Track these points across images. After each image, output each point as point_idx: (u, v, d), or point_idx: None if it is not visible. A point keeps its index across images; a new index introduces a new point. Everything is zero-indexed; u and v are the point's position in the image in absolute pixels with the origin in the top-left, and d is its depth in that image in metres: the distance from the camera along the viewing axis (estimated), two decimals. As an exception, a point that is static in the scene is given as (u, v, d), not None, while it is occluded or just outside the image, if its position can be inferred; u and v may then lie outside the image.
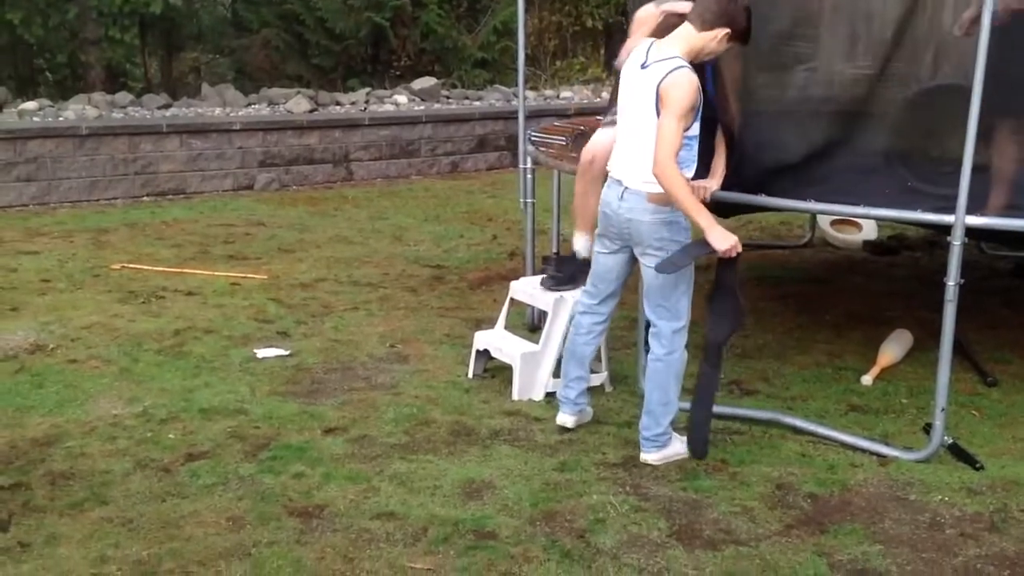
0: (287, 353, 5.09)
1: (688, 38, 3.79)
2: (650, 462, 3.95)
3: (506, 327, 4.92)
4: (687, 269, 3.89)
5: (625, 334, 5.37)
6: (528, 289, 4.88)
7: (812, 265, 7.03)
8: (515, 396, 4.57)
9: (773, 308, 5.94)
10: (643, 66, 3.81)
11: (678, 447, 4.01)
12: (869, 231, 7.51)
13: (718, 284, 3.95)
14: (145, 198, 8.78)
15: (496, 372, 4.79)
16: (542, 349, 4.62)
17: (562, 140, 6.05)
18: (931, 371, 4.05)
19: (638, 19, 4.47)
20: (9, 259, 6.68)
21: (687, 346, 3.96)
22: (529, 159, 5.64)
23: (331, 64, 12.38)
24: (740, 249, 3.80)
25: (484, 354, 4.82)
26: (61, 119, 9.07)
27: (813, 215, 7.09)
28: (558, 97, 12.11)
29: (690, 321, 3.94)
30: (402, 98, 11.06)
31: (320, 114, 10.10)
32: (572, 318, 4.37)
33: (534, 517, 3.51)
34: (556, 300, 4.66)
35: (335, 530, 3.39)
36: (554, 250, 5.85)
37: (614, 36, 14.19)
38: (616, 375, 4.83)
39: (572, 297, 4.67)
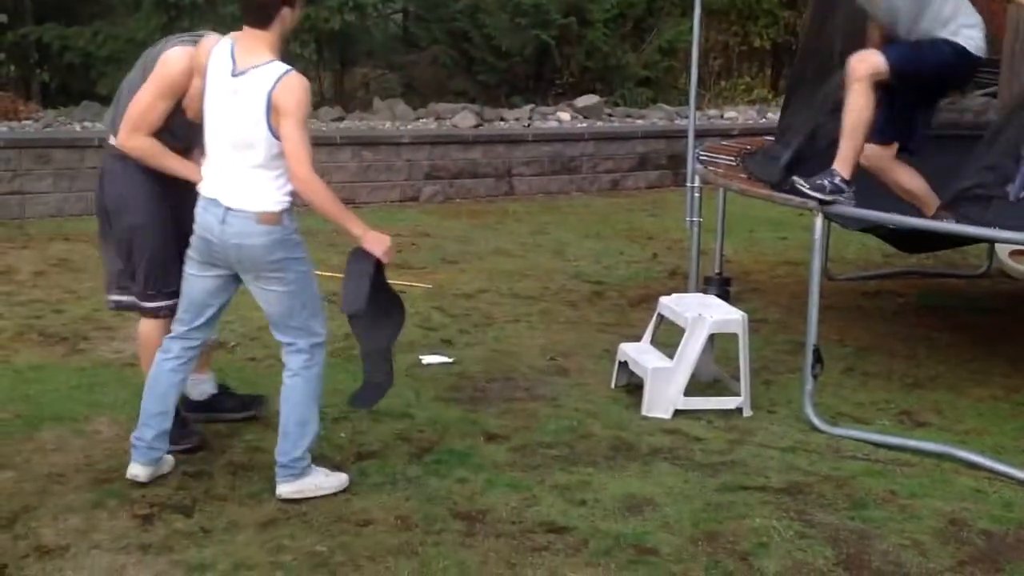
0: (451, 360, 5.20)
1: (265, 39, 3.47)
2: (283, 496, 3.58)
3: (653, 342, 4.91)
4: (309, 285, 3.63)
5: (788, 358, 5.28)
6: (672, 305, 4.87)
7: (989, 296, 6.76)
8: (644, 411, 4.55)
9: (947, 338, 5.74)
10: (235, 73, 3.46)
11: (320, 480, 3.66)
12: (1051, 263, 7.16)
13: (366, 280, 3.69)
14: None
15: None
16: (675, 366, 4.59)
17: (730, 160, 6.01)
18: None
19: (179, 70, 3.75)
20: (192, 260, 7.04)
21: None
22: (697, 178, 5.63)
23: (496, 81, 12.58)
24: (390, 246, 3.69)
25: (626, 366, 4.83)
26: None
27: (991, 244, 6.81)
28: (722, 117, 11.99)
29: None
30: (565, 115, 11.14)
31: (485, 129, 10.28)
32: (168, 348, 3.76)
33: (695, 536, 3.48)
34: (694, 319, 4.63)
35: (498, 535, 3.45)
36: (716, 270, 5.82)
37: (782, 56, 13.96)
38: (778, 400, 4.76)
39: (711, 317, 4.64)
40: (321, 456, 3.98)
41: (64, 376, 4.76)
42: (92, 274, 6.43)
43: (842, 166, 4.55)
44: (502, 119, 10.86)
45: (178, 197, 3.85)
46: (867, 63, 4.55)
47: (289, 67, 3.47)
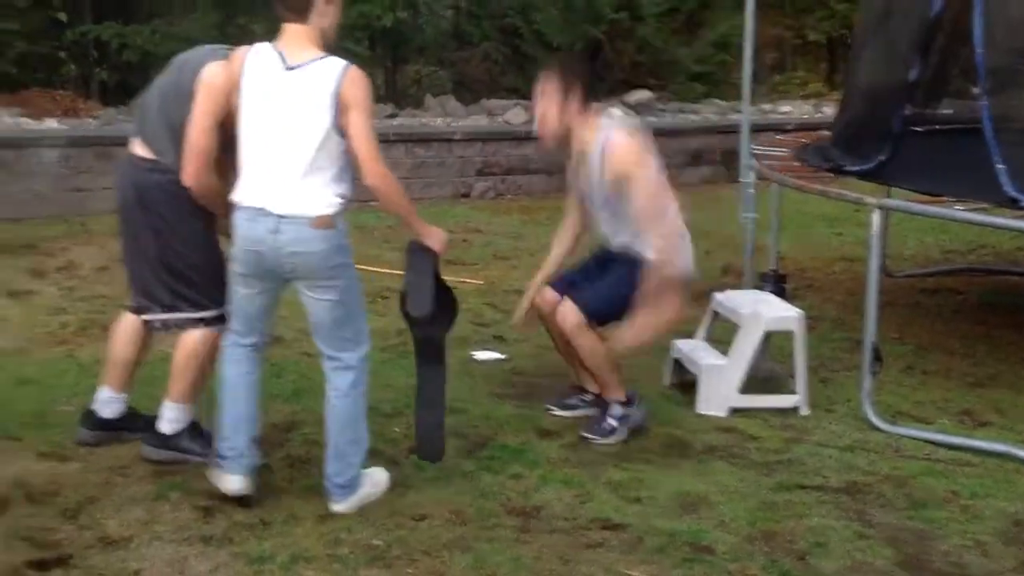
0: (503, 357, 5.22)
1: (307, 34, 3.33)
2: (341, 511, 3.51)
3: (706, 339, 4.89)
4: (358, 290, 3.53)
5: (845, 356, 5.23)
6: (726, 302, 4.85)
7: (1052, 294, 6.64)
8: (698, 409, 4.53)
9: (1008, 336, 5.64)
10: (288, 68, 3.31)
11: (368, 487, 3.59)
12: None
13: (429, 278, 3.73)
14: (372, 202, 9.14)
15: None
16: (729, 363, 4.57)
17: (784, 152, 5.96)
18: None
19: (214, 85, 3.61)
20: (248, 256, 7.12)
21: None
22: (751, 173, 5.59)
23: (547, 76, 12.58)
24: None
25: (679, 363, 4.81)
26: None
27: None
28: (777, 112, 11.88)
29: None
30: (616, 111, 11.10)
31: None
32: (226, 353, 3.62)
33: (752, 535, 3.46)
34: (748, 316, 4.60)
35: (552, 531, 3.46)
36: (771, 267, 5.77)
37: (837, 51, 13.80)
38: (836, 398, 4.71)
39: (765, 314, 4.60)
40: (375, 452, 4.00)
41: (125, 370, 4.84)
42: (151, 269, 6.54)
43: (613, 393, 4.25)
44: (554, 115, 10.84)
45: None
46: (571, 319, 4.18)
47: (347, 61, 3.34)
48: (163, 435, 3.91)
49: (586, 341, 4.20)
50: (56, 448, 3.97)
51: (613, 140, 4.10)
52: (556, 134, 4.15)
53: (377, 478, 3.68)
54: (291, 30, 3.36)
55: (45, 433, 4.09)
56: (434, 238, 3.70)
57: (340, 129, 3.31)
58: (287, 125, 3.32)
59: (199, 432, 3.95)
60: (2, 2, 11.02)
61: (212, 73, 3.64)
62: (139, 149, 3.84)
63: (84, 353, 5.04)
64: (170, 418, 3.91)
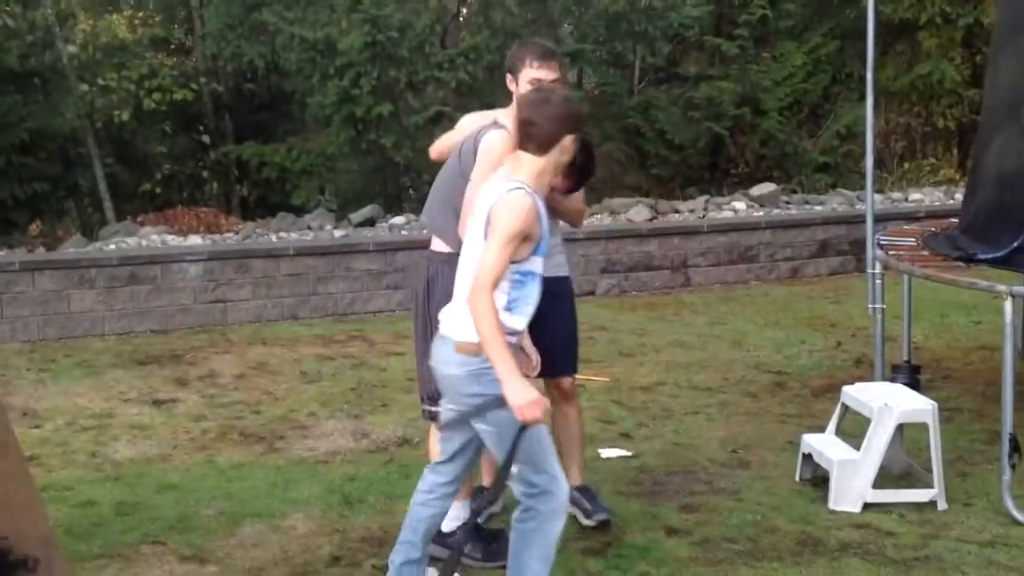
0: (630, 454, 5.20)
1: (531, 164, 3.30)
2: None
3: (837, 433, 4.78)
4: (511, 428, 3.18)
5: (985, 448, 5.04)
6: (856, 394, 4.74)
7: None
8: (831, 505, 4.43)
9: None
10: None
11: None
12: None
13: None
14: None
15: (844, 482, 4.64)
16: (862, 457, 4.45)
17: (912, 241, 5.86)
18: None
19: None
20: (380, 359, 7.31)
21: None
22: (878, 263, 5.51)
23: (669, 173, 12.69)
24: (540, 415, 3.14)
25: (810, 458, 4.72)
26: (424, 232, 9.89)
27: None
28: (906, 200, 11.66)
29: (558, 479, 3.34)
30: (740, 204, 11.10)
31: (659, 222, 10.34)
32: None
33: (888, 636, 3.35)
34: (880, 408, 4.49)
35: (680, 632, 3.42)
36: (904, 358, 5.63)
37: (967, 136, 13.53)
38: (975, 492, 4.54)
39: (897, 406, 4.49)
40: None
41: (262, 474, 5.02)
42: (288, 376, 6.79)
43: (580, 475, 4.26)
44: (676, 211, 10.91)
45: None
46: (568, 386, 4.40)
47: (522, 186, 3.25)
48: (441, 532, 3.92)
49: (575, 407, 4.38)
50: (197, 551, 4.13)
51: None
52: None
53: None
54: (521, 158, 3.36)
55: (187, 537, 4.26)
56: (511, 392, 3.13)
57: None
58: (467, 252, 3.40)
59: (478, 532, 4.00)
60: (152, 128, 11.82)
61: (492, 139, 3.72)
62: (434, 243, 3.96)
63: (223, 458, 5.24)
64: (451, 515, 3.94)
